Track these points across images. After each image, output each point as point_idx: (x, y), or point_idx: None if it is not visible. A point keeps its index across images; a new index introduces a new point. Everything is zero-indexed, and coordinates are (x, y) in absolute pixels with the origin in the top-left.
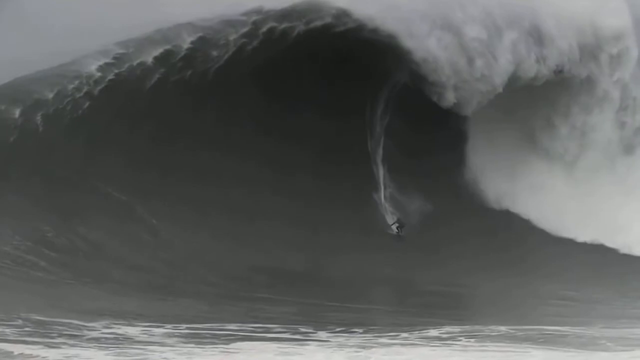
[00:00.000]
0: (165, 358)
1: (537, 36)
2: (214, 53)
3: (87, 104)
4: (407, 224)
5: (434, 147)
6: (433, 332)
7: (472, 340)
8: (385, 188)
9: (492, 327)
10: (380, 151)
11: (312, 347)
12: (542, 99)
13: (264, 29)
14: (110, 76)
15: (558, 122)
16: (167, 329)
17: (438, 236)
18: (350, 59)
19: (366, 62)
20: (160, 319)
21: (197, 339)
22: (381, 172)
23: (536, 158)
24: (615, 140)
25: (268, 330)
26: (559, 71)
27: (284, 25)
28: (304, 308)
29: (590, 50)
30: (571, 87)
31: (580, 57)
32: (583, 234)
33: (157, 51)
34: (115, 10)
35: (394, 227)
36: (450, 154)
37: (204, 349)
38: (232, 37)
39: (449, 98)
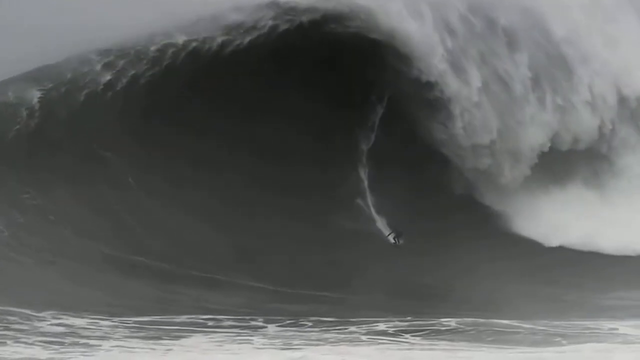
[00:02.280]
0: (110, 356)
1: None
2: (218, 40)
3: (88, 78)
4: (404, 232)
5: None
6: (381, 326)
7: (418, 338)
8: (371, 194)
9: (443, 321)
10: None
11: (258, 345)
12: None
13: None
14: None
15: (554, 191)
16: (114, 322)
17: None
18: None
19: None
20: (109, 311)
21: (143, 332)
22: (365, 177)
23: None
24: None
25: (219, 324)
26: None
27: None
28: (257, 295)
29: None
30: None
31: (630, 116)
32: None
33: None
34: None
35: (390, 237)
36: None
37: (149, 344)
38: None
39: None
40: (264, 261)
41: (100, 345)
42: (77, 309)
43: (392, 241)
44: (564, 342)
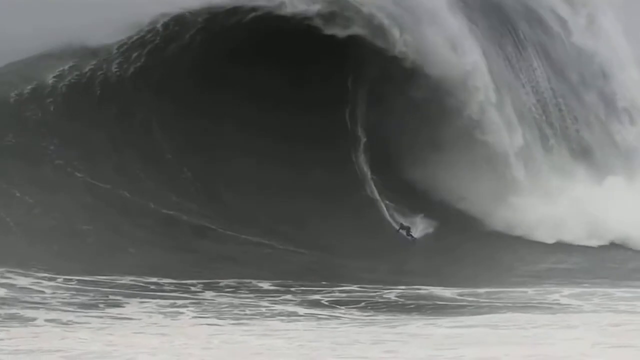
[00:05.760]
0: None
1: None
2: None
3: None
4: (411, 224)
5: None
6: (317, 296)
7: (355, 311)
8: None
9: (384, 293)
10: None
11: (190, 316)
12: None
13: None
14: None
15: None
16: (58, 282)
17: None
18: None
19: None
20: (55, 268)
21: (82, 297)
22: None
23: None
24: None
25: (160, 288)
26: None
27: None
28: (204, 248)
29: None
30: None
31: None
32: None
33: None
34: None
35: (403, 234)
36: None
37: (81, 317)
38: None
39: None
40: (225, 203)
41: (35, 319)
42: (25, 266)
43: (406, 236)
44: (506, 313)
